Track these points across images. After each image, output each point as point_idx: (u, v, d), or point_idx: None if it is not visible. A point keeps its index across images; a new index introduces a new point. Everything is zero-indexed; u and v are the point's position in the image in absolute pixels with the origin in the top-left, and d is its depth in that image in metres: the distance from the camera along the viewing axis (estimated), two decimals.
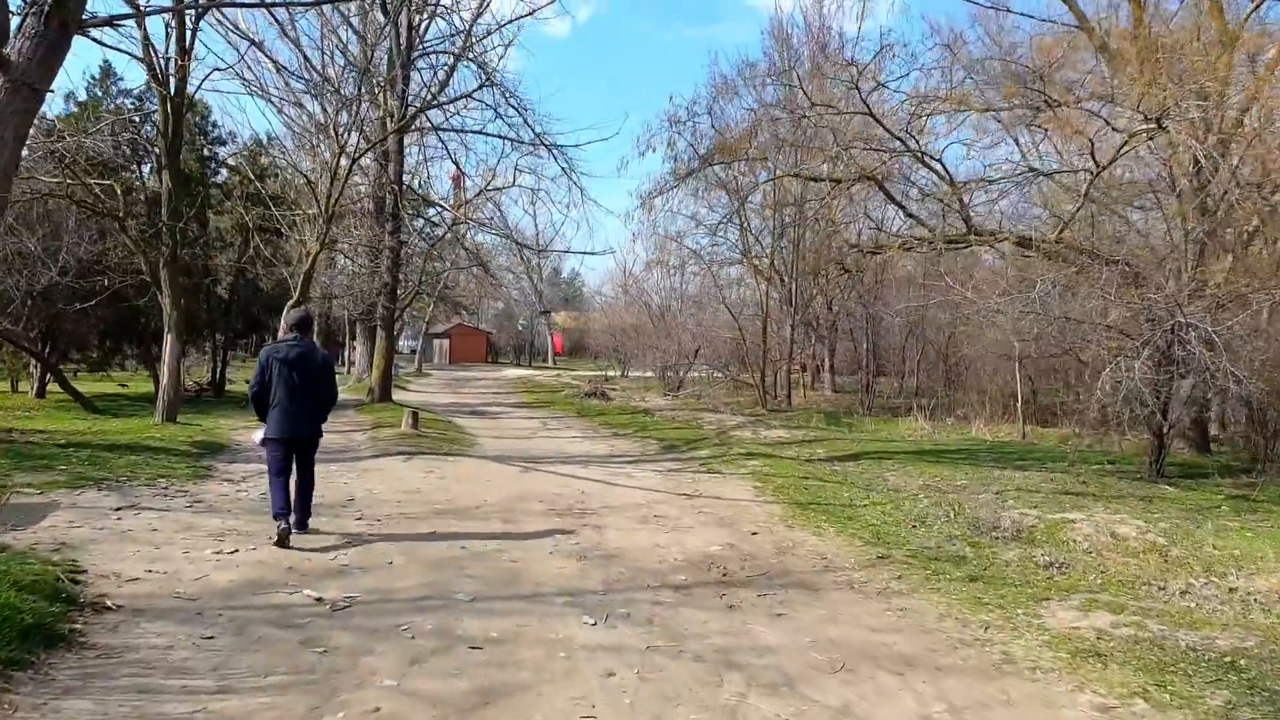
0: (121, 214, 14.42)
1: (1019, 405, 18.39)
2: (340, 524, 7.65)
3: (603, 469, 11.93)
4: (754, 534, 7.93)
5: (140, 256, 14.82)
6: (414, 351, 58.49)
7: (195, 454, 11.12)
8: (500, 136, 22.91)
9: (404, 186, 22.15)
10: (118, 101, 20.54)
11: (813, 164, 13.75)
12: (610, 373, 44.07)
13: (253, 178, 21.56)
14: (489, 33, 21.56)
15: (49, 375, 20.68)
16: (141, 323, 20.79)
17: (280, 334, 11.46)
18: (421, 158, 26.70)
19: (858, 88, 12.65)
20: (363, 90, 17.08)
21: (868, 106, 12.57)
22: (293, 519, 6.89)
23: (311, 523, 7.34)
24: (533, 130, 21.04)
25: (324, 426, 7.48)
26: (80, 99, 20.75)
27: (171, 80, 14.47)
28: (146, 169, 19.81)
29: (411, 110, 21.21)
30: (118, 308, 19.04)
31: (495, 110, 20.61)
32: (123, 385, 27.10)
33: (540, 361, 72.24)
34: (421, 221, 30.22)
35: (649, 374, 43.18)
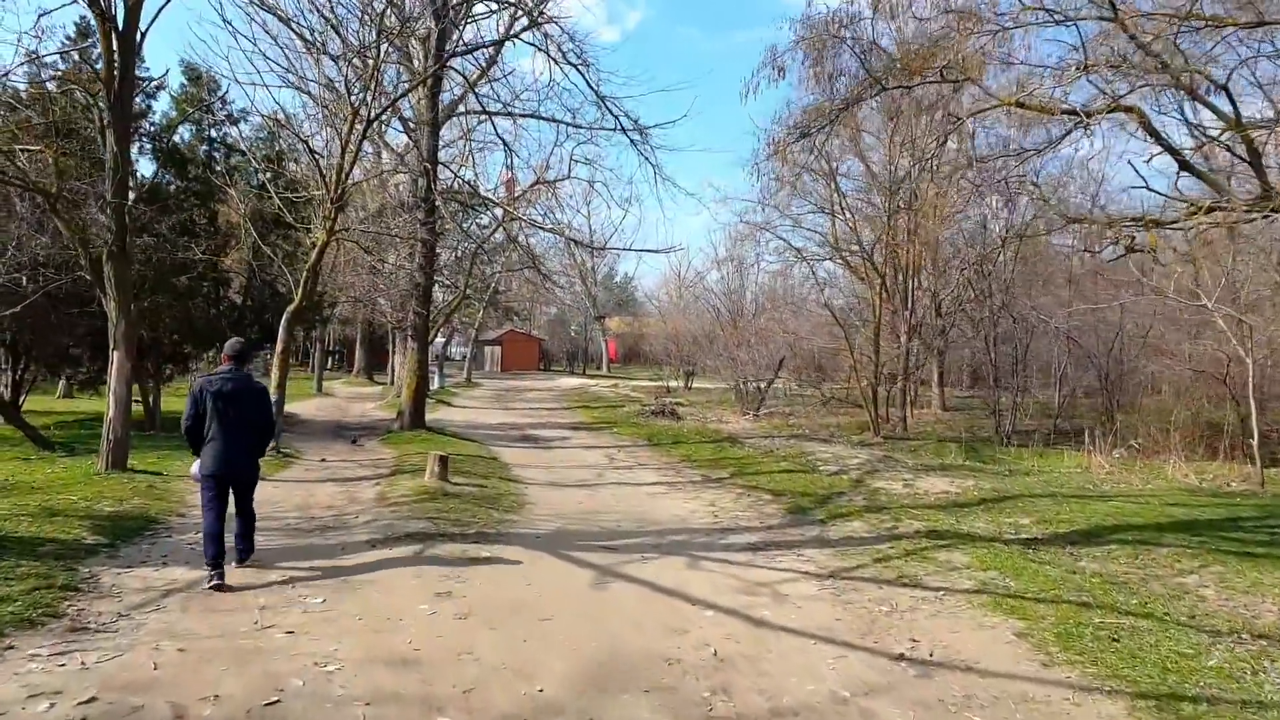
0: (53, 190, 10.55)
1: (1253, 441, 13.66)
2: None
3: (723, 572, 7.61)
4: None
5: (77, 247, 10.94)
6: (464, 359, 55.05)
7: (96, 544, 7.10)
8: (554, 120, 18.92)
9: (438, 169, 18.21)
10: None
11: (1031, 90, 9.33)
12: (672, 383, 39.80)
13: (257, 160, 17.77)
14: None
15: (19, 395, 17.11)
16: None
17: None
18: (467, 149, 22.76)
19: None
20: (381, 35, 13.04)
21: (1114, 7, 8.15)
22: (228, 565, 6.41)
23: None
24: (595, 91, 16.87)
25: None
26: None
27: (118, 6, 10.62)
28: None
29: (447, 70, 17.24)
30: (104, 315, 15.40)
31: (546, 54, 16.40)
32: (138, 400, 23.73)
33: (594, 369, 68.35)
34: (465, 216, 26.39)
35: (716, 386, 38.90)
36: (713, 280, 34.12)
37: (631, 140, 17.46)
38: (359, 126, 13.19)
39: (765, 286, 36.87)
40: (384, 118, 17.01)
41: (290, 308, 13.86)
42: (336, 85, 14.27)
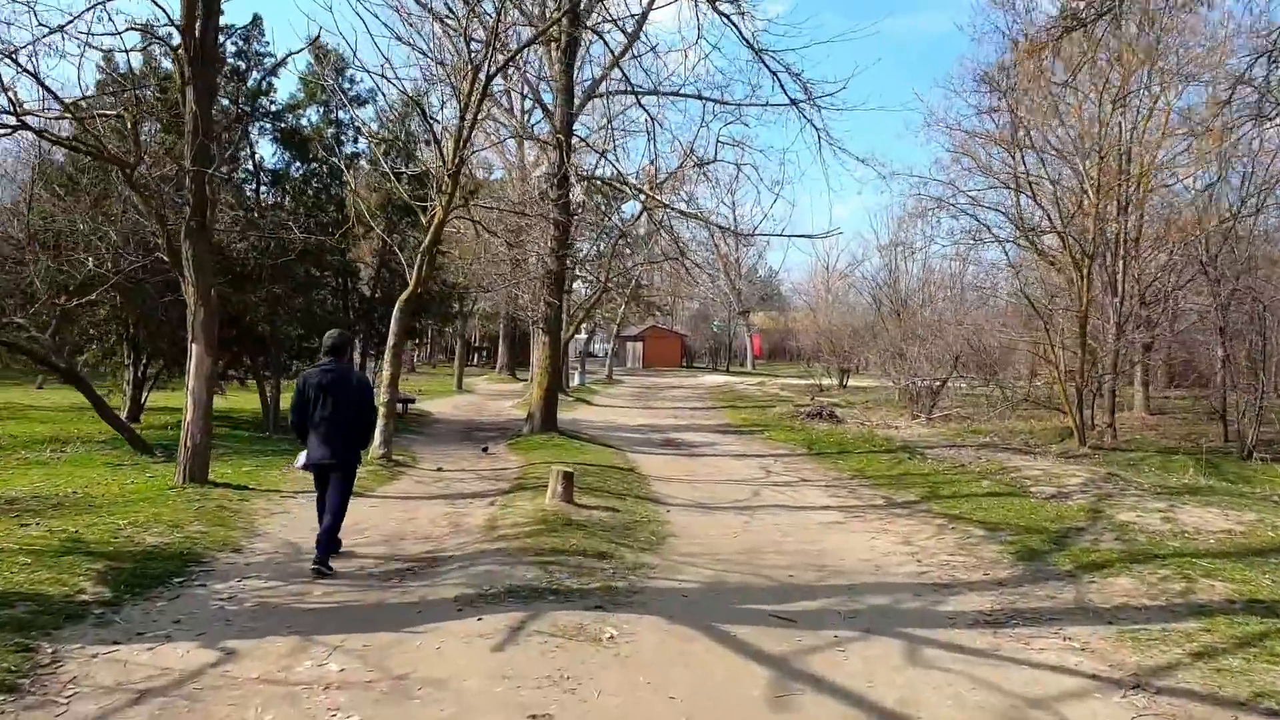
0: (130, 159, 9.12)
1: None
2: None
3: (963, 670, 5.07)
4: None
5: (155, 222, 9.50)
6: (606, 355, 53.87)
7: (94, 599, 5.32)
8: (701, 98, 16.66)
9: (574, 146, 16.26)
10: None
11: None
12: (825, 381, 36.77)
13: (385, 140, 16.35)
14: None
15: (141, 393, 16.34)
16: (247, 322, 16.04)
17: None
18: (608, 132, 20.77)
19: None
20: None
21: None
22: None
23: None
24: (750, 45, 14.41)
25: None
26: None
27: None
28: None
29: (586, 34, 15.23)
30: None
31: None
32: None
33: (738, 366, 65.79)
34: (607, 205, 24.54)
35: (875, 384, 35.63)
36: (873, 268, 30.95)
37: (792, 100, 14.93)
38: (479, 85, 11.32)
39: (935, 274, 33.40)
40: (520, 91, 15.21)
41: (404, 295, 12.19)
42: (456, 41, 12.46)
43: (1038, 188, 21.46)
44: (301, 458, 6.87)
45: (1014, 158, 23.12)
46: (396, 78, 16.14)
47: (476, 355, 68.67)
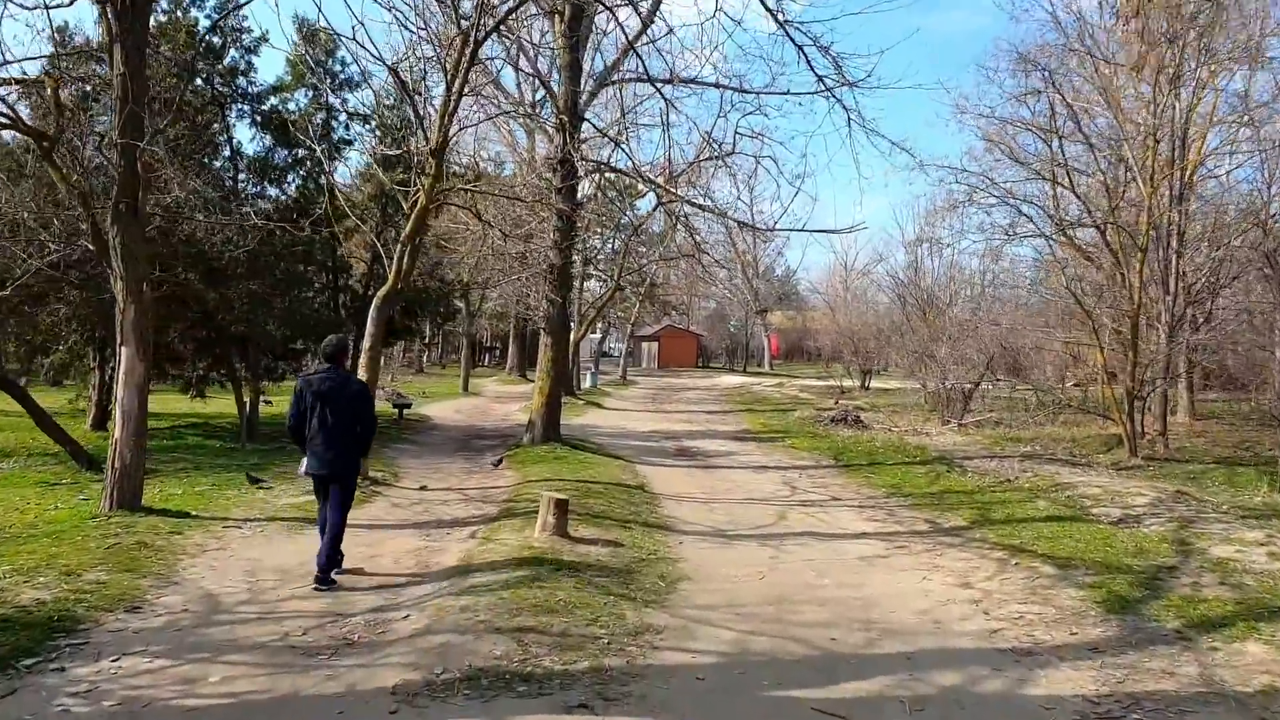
0: (51, 132, 7.75)
1: None
2: None
3: None
4: None
5: (79, 204, 8.13)
6: (620, 355, 52.54)
7: None
8: (719, 86, 15.22)
9: (583, 130, 14.85)
10: None
11: None
12: (846, 383, 35.18)
13: (378, 128, 15.03)
14: None
15: (107, 398, 15.02)
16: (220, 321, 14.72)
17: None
18: (621, 123, 19.28)
19: None
20: None
21: None
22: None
23: None
24: (774, 14, 12.90)
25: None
26: None
27: None
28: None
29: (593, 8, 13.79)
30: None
31: None
32: (266, 401, 21.89)
33: (755, 366, 64.19)
34: (621, 198, 23.14)
35: (898, 386, 34.04)
36: (897, 264, 29.38)
37: (820, 78, 13.41)
38: (468, 52, 9.91)
39: (964, 271, 31.83)
40: (516, 65, 13.80)
41: (382, 291, 10.80)
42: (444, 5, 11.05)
43: (1078, 177, 19.87)
44: (303, 464, 6.73)
45: (1050, 147, 21.56)
46: (371, 42, 14.73)
47: (489, 356, 67.40)
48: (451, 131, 10.42)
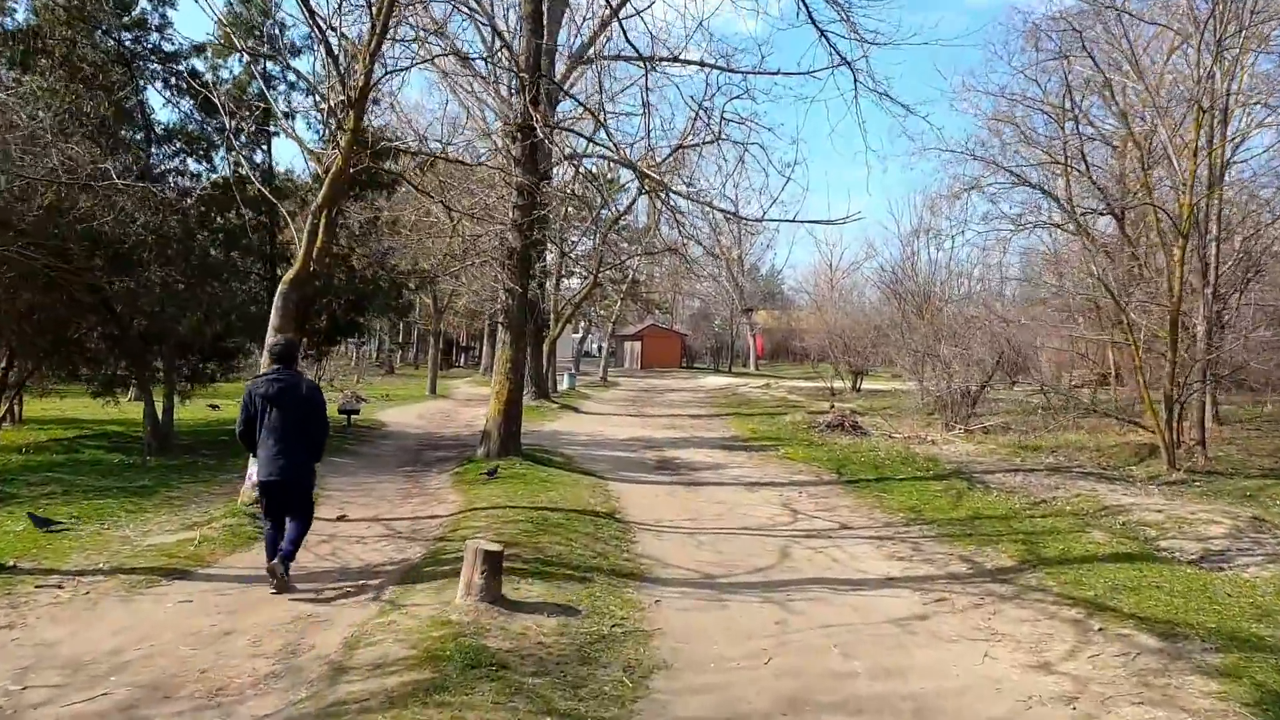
0: None
1: None
2: None
3: None
4: None
5: None
6: (602, 354, 50.58)
7: None
8: (704, 65, 13.26)
9: (546, 83, 12.81)
10: None
11: None
12: (836, 384, 33.30)
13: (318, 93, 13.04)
14: None
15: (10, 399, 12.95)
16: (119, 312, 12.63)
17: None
18: (600, 100, 17.24)
19: None
20: None
21: None
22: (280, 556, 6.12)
23: None
24: None
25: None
26: None
27: None
28: None
29: None
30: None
31: None
32: (213, 406, 19.85)
33: (741, 366, 62.37)
34: (600, 185, 21.16)
35: (890, 387, 32.22)
36: (889, 259, 27.54)
37: (821, 32, 11.48)
38: None
39: (964, 264, 30.06)
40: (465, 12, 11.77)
41: (289, 274, 8.77)
42: None
43: (1094, 161, 18.04)
44: (251, 472, 6.54)
45: (1064, 129, 19.76)
46: None
47: (465, 356, 65.15)
48: (376, 75, 8.37)
